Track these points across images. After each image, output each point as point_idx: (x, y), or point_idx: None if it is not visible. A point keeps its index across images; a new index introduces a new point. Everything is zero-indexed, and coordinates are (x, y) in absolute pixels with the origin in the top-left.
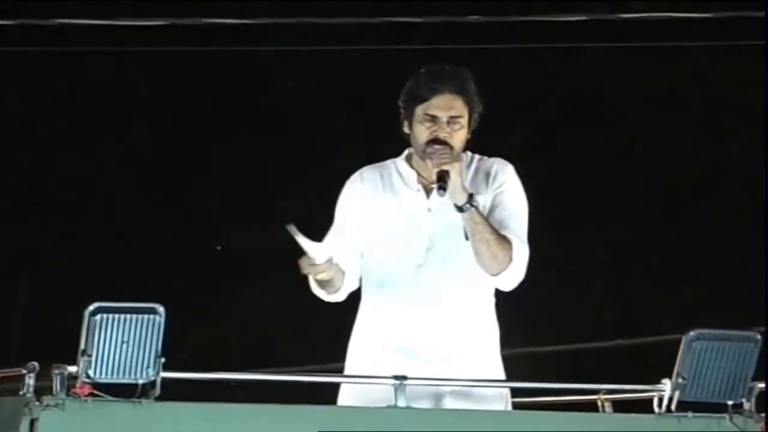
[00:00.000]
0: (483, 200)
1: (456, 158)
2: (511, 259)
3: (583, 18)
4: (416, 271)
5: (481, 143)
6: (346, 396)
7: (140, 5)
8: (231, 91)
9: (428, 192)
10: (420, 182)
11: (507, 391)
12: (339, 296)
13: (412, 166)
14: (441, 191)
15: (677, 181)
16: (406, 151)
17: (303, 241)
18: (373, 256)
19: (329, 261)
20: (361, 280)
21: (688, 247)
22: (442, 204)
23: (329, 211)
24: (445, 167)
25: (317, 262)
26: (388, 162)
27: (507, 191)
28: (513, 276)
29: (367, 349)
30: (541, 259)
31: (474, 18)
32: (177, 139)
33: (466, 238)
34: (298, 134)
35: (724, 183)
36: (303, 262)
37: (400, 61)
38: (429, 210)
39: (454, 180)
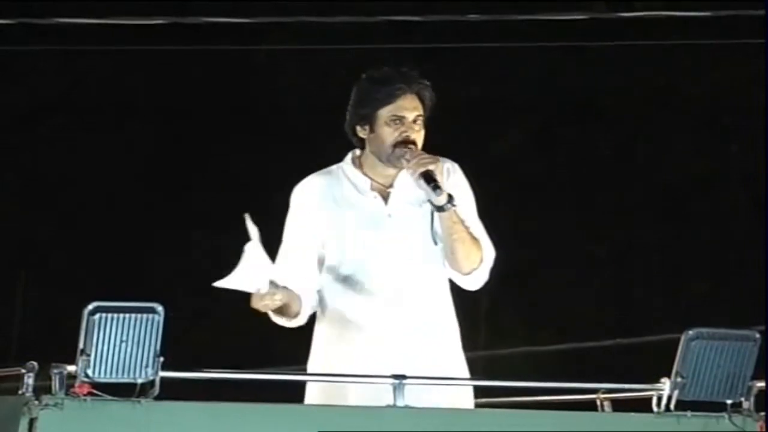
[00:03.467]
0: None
1: (436, 159)
2: (481, 259)
3: (583, 17)
4: (381, 278)
5: (481, 143)
6: (313, 394)
7: (140, 5)
8: (231, 91)
9: (385, 198)
10: (374, 188)
11: (472, 398)
12: (299, 320)
13: (363, 173)
14: (438, 191)
15: (677, 181)
16: (351, 155)
17: (238, 278)
18: (337, 266)
19: (274, 284)
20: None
21: (688, 246)
22: (401, 209)
23: None
24: (430, 167)
25: (262, 292)
26: (334, 168)
27: (463, 191)
28: (481, 275)
29: (332, 357)
30: (541, 259)
31: (473, 17)
32: (177, 138)
33: (435, 243)
34: (298, 133)
35: (724, 182)
36: (254, 301)
37: (399, 60)
38: (390, 216)
39: (438, 180)
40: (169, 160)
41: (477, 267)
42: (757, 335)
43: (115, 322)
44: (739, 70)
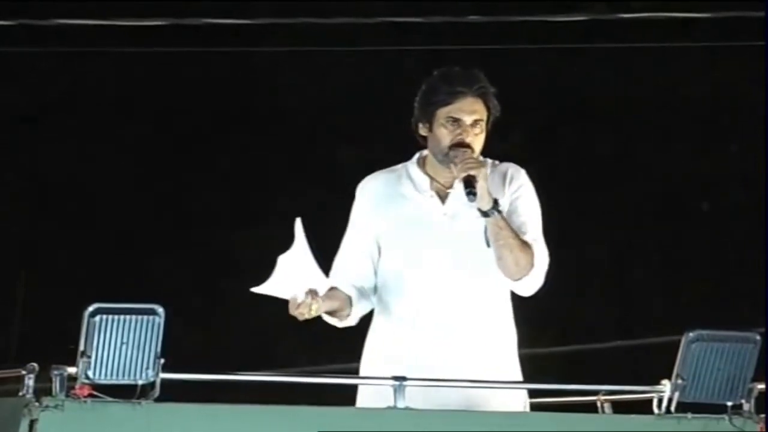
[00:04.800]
0: (500, 204)
1: (482, 163)
2: (532, 265)
3: (583, 18)
4: (435, 278)
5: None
6: (365, 398)
7: (140, 5)
8: (231, 91)
9: (442, 198)
10: (433, 188)
11: (526, 398)
12: (350, 321)
13: (425, 171)
14: (471, 197)
15: (677, 181)
16: (418, 155)
17: (274, 288)
18: (389, 264)
19: (312, 292)
20: (375, 291)
21: (688, 247)
22: (458, 210)
23: (328, 210)
24: (472, 172)
25: (298, 300)
26: (399, 167)
27: (523, 196)
28: (533, 282)
29: (382, 355)
30: None
31: (474, 18)
32: (176, 138)
33: (487, 244)
34: (297, 134)
35: (724, 183)
36: (290, 308)
37: (400, 61)
38: (445, 215)
39: (481, 185)
40: (169, 160)
41: (527, 273)
42: (758, 337)
43: (115, 323)
44: (739, 70)
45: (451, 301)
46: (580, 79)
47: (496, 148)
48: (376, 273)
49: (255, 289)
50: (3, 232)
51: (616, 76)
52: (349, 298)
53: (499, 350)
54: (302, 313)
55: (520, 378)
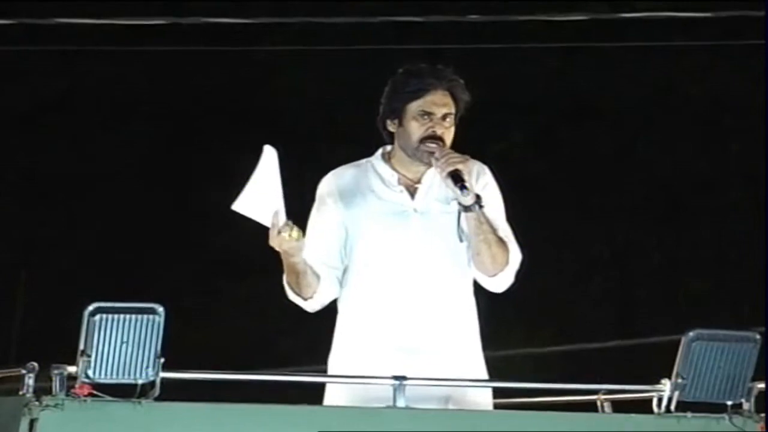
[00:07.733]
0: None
1: (465, 158)
2: (507, 262)
3: (584, 17)
4: (405, 272)
5: (481, 143)
6: (336, 395)
7: (140, 5)
8: (230, 90)
9: (411, 193)
10: (402, 183)
11: (489, 394)
12: (314, 303)
13: (392, 167)
14: (465, 191)
15: (677, 181)
16: (381, 150)
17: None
18: (359, 258)
19: (288, 224)
20: (341, 284)
21: (688, 246)
22: (428, 205)
23: None
24: (459, 166)
25: (280, 221)
26: (363, 162)
27: (491, 193)
28: (507, 278)
29: (354, 348)
30: (541, 259)
31: (474, 17)
32: (177, 138)
33: (460, 239)
34: (297, 134)
35: (724, 182)
36: (271, 237)
37: (400, 60)
38: (415, 211)
39: (466, 180)
40: (169, 160)
41: (502, 269)
42: (758, 336)
43: (115, 323)
44: (739, 70)
45: (421, 295)
46: (581, 78)
47: (497, 148)
48: (342, 261)
49: (234, 207)
50: (3, 232)
51: (617, 75)
52: (318, 277)
53: (466, 343)
54: (283, 239)
55: (484, 369)
